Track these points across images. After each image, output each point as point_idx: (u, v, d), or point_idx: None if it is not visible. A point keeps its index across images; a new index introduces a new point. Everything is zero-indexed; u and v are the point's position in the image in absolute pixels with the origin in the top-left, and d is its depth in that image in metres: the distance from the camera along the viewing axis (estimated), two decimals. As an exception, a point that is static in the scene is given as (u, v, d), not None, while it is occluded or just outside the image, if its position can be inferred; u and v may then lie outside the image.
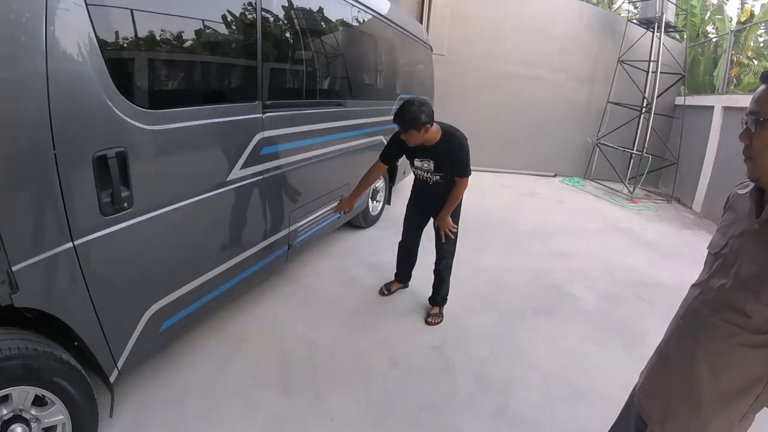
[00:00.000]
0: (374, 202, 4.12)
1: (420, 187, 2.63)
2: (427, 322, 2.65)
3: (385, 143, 2.60)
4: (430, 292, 2.76)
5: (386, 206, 4.36)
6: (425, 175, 2.49)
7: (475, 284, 3.26)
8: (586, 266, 3.77)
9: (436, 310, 2.73)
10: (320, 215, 2.91)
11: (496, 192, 6.31)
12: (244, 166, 2.00)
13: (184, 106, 1.66)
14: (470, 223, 4.54)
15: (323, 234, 3.20)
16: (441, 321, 2.67)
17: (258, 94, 2.05)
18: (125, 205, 1.44)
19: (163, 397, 1.91)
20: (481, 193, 5.97)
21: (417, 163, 2.47)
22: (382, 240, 3.82)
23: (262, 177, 2.15)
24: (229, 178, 1.93)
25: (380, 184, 4.15)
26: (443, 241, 2.57)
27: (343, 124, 2.97)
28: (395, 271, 2.98)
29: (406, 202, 2.80)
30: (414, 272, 2.98)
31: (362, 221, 3.93)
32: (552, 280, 3.45)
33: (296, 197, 2.56)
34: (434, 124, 2.28)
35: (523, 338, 2.61)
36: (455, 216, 2.55)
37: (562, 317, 2.91)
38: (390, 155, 2.52)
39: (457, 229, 2.56)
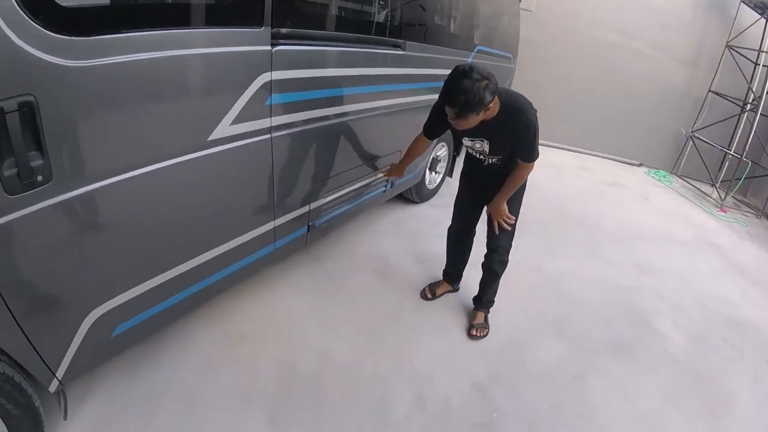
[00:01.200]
0: (432, 173, 3.42)
1: (473, 164, 2.02)
2: (470, 335, 2.13)
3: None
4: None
5: (447, 179, 3.66)
6: (478, 155, 1.88)
7: (544, 297, 2.59)
8: (674, 290, 3.00)
9: (480, 318, 2.20)
10: (357, 189, 2.33)
11: (576, 176, 5.39)
12: (237, 121, 1.41)
13: (136, 29, 1.07)
14: (546, 212, 3.87)
15: (361, 210, 2.62)
16: (487, 333, 2.15)
17: (265, 17, 1.40)
18: (40, 178, 0.97)
19: (136, 398, 1.58)
20: (560, 175, 5.17)
21: (467, 142, 1.85)
22: (436, 222, 3.19)
23: (267, 137, 1.56)
24: (212, 137, 1.35)
25: (442, 152, 3.43)
26: (496, 232, 1.98)
27: (399, 73, 2.27)
28: (444, 267, 2.41)
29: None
30: (468, 273, 2.37)
31: (415, 195, 3.27)
32: (636, 304, 2.72)
33: (322, 166, 1.96)
34: None
35: (595, 388, 1.97)
36: (514, 203, 1.95)
37: (645, 362, 2.23)
38: (436, 129, 1.90)
39: (515, 220, 1.96)
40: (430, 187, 3.43)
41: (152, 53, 1.12)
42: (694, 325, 2.66)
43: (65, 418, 1.36)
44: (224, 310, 2.05)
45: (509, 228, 1.96)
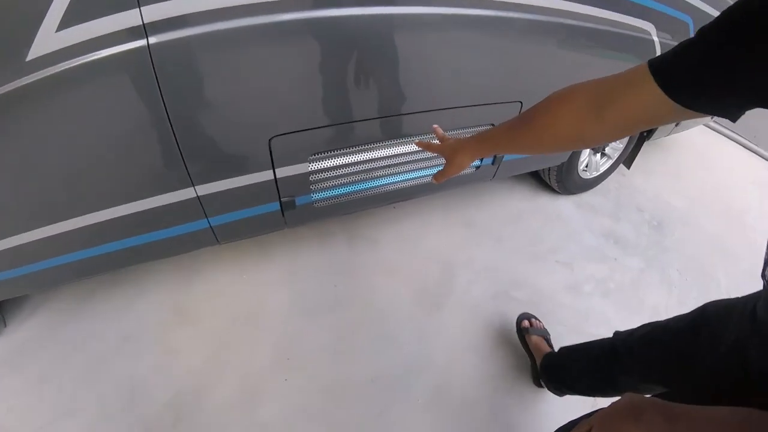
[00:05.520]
0: (597, 155, 2.05)
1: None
2: None
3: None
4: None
5: (620, 169, 2.23)
6: None
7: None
8: None
9: None
10: (400, 156, 1.34)
11: None
12: (66, 23, 0.73)
13: None
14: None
15: (439, 189, 1.62)
16: None
17: None
18: None
19: (63, 336, 1.36)
20: None
21: None
22: (574, 233, 1.93)
23: (138, 44, 0.79)
24: (32, 56, 0.74)
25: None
26: None
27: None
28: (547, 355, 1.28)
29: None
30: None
31: (554, 181, 2.02)
32: None
33: (302, 103, 1.05)
34: None
35: None
36: None
37: None
38: (714, 75, 0.41)
39: None
40: (586, 175, 2.04)
41: None
42: None
43: (5, 326, 1.35)
44: (197, 272, 1.57)
45: None
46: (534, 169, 1.87)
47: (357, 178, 1.31)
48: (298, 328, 1.42)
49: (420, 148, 1.31)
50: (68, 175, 0.95)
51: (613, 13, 1.37)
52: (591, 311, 1.61)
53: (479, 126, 1.39)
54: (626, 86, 0.49)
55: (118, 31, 0.78)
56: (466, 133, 1.39)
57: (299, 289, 1.54)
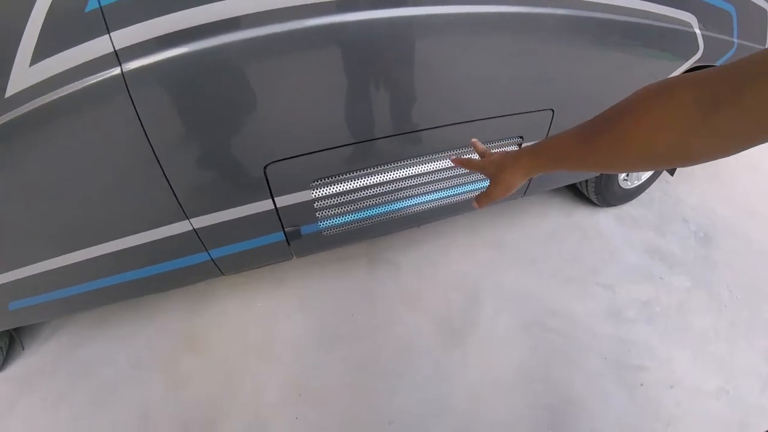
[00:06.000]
0: None
1: None
2: None
3: None
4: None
5: (663, 176, 2.03)
6: None
7: None
8: None
9: None
10: (414, 178, 1.24)
11: None
12: (40, 55, 0.70)
13: None
14: None
15: (459, 209, 1.44)
16: None
17: None
18: None
19: (76, 360, 1.39)
20: None
21: None
22: (615, 252, 1.73)
23: (113, 72, 0.73)
24: (10, 92, 0.71)
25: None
26: None
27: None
28: None
29: None
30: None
31: (592, 193, 1.83)
32: None
33: (295, 127, 0.96)
34: None
35: None
36: None
37: None
38: None
39: None
40: (627, 185, 1.84)
41: None
42: None
43: (23, 348, 1.42)
44: (209, 299, 1.52)
45: None
46: (570, 183, 1.70)
47: (368, 203, 1.21)
48: (312, 361, 1.33)
49: (447, 167, 1.20)
50: (60, 209, 0.91)
51: (651, 3, 1.20)
52: (635, 341, 1.43)
53: (505, 139, 1.26)
54: (756, 75, 0.31)
55: (90, 60, 0.74)
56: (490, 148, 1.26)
57: (315, 318, 1.46)
